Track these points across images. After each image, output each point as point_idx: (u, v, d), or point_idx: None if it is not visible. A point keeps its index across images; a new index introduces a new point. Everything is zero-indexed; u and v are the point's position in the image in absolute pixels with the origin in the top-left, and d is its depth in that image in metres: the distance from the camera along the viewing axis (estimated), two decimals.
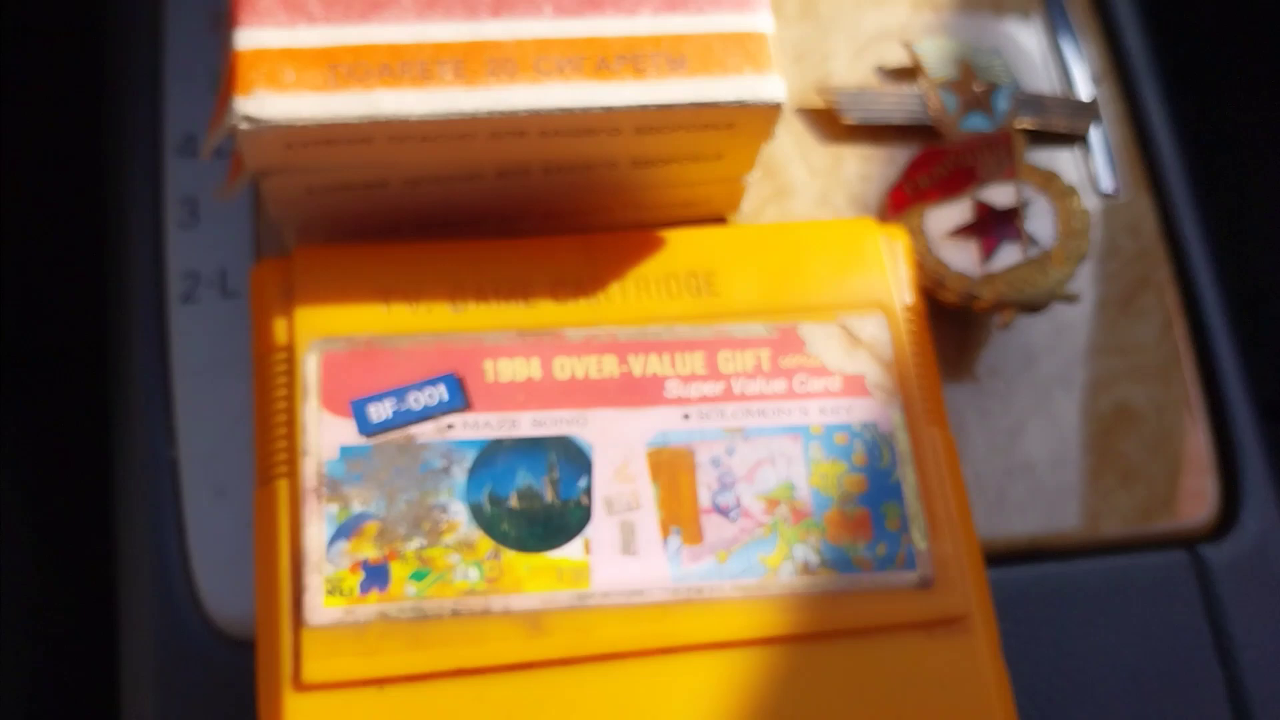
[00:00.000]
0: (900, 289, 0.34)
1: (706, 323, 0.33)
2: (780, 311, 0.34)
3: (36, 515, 0.44)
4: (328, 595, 0.29)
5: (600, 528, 0.31)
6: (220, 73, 0.31)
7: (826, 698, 0.30)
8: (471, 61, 0.31)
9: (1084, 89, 0.42)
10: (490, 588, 0.30)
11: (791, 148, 0.40)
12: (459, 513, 0.30)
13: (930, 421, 0.33)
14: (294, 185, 0.32)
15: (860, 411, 0.33)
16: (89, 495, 0.39)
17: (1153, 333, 0.40)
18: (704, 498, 0.31)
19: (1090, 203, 0.41)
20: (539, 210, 0.35)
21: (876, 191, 0.40)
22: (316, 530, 0.30)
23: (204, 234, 0.37)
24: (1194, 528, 0.38)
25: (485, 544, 0.30)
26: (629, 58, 0.31)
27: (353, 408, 0.31)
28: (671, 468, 0.32)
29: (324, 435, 0.31)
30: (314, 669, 0.28)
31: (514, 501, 0.31)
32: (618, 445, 0.32)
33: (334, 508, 0.30)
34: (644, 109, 0.31)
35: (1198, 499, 0.38)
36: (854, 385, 0.33)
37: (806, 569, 0.31)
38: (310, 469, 0.30)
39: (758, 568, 0.31)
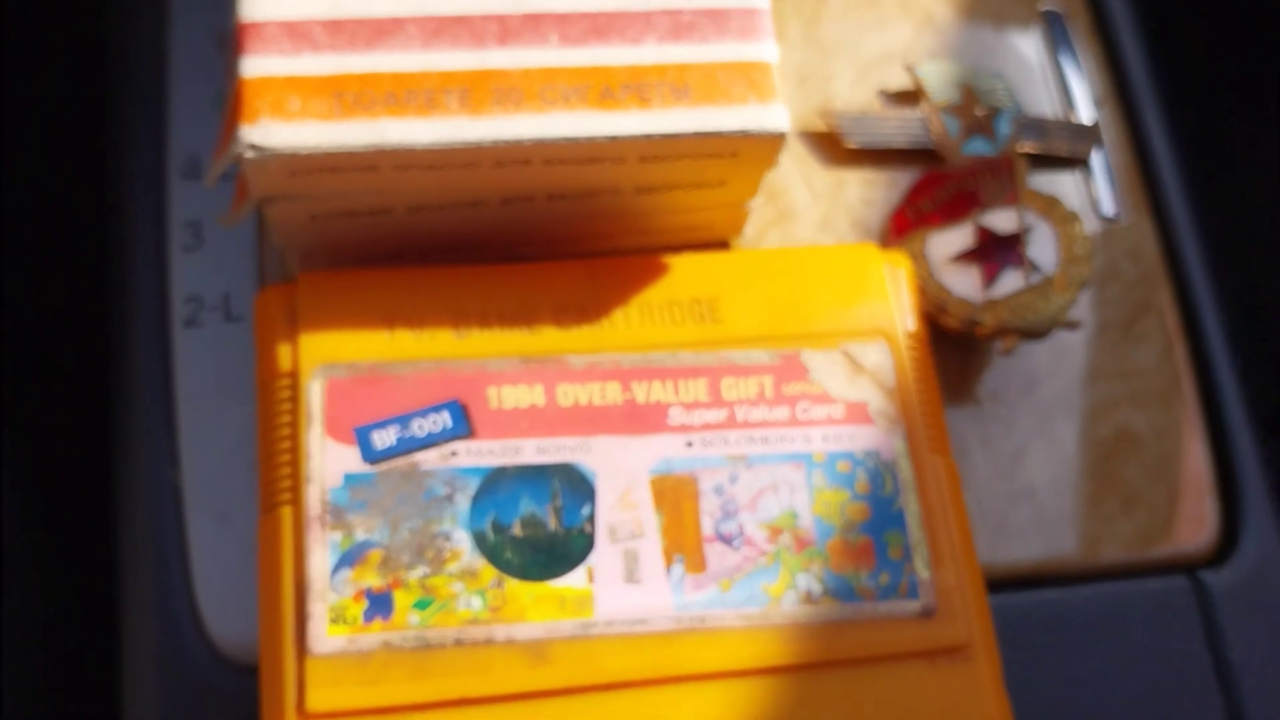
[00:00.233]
0: (903, 316, 0.34)
1: (710, 349, 0.33)
2: (783, 338, 0.34)
3: (39, 538, 0.44)
4: (331, 624, 0.29)
5: (603, 556, 0.31)
6: (225, 99, 0.31)
7: None
8: (477, 90, 0.31)
9: (1085, 112, 0.43)
10: (494, 617, 0.30)
11: (794, 171, 0.40)
12: (462, 541, 0.30)
13: (933, 449, 0.33)
14: (298, 212, 0.32)
15: (863, 439, 0.33)
16: (92, 519, 0.39)
17: (1153, 357, 0.40)
18: (707, 526, 0.31)
19: (1091, 226, 0.41)
20: (542, 236, 0.35)
21: (878, 215, 0.40)
22: (320, 558, 0.30)
23: (207, 258, 0.37)
24: (1194, 553, 0.38)
25: (489, 572, 0.30)
26: (634, 87, 0.31)
27: (356, 434, 0.31)
28: (675, 495, 0.32)
29: (328, 462, 0.31)
30: (318, 698, 0.29)
31: (517, 529, 0.31)
32: (621, 472, 0.32)
33: (337, 535, 0.30)
34: (648, 138, 0.31)
35: (1198, 524, 0.38)
36: (857, 412, 0.33)
37: (809, 598, 0.31)
38: (314, 496, 0.30)
39: (761, 597, 0.31)
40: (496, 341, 0.33)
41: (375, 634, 0.29)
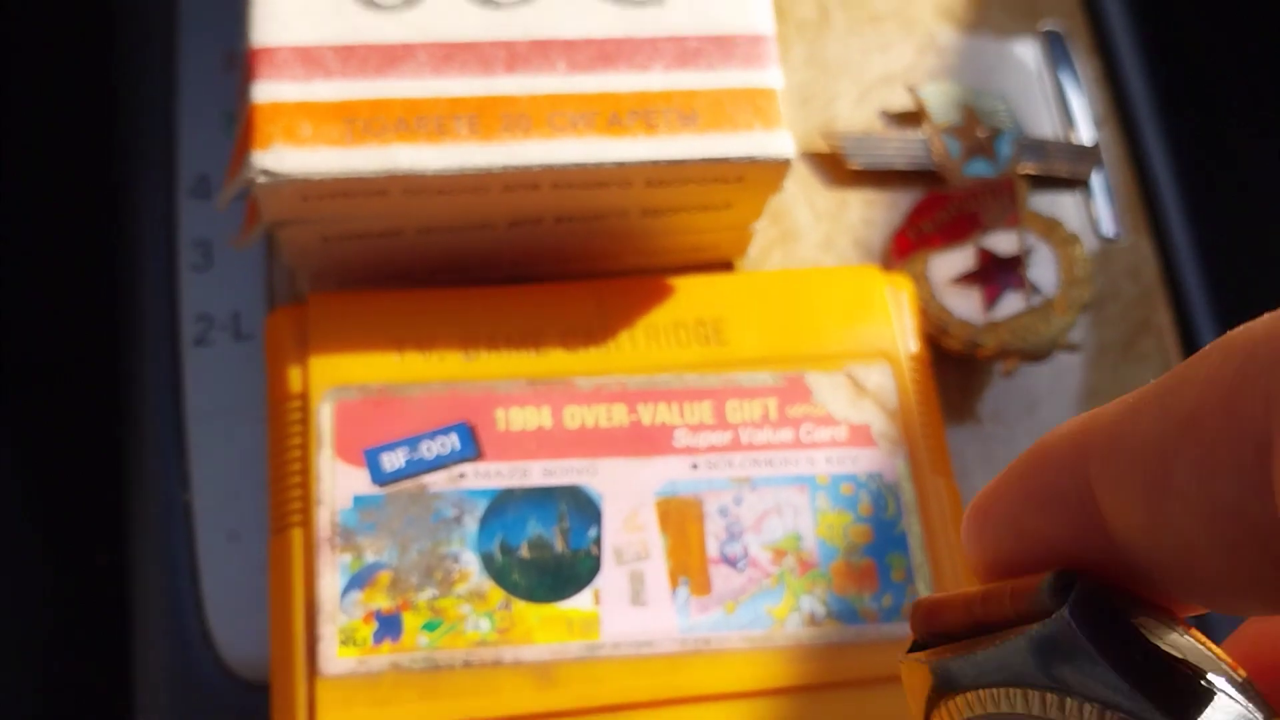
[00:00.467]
0: (905, 338, 0.35)
1: (715, 371, 0.34)
2: (787, 360, 0.34)
3: (51, 558, 0.45)
4: (341, 645, 0.30)
5: (610, 578, 0.31)
6: (237, 122, 0.32)
7: None
8: (486, 117, 0.31)
9: (1086, 132, 0.43)
10: (501, 638, 0.30)
11: (797, 192, 0.40)
12: (470, 562, 0.31)
13: (935, 471, 0.33)
14: (309, 235, 0.33)
15: (866, 461, 0.33)
16: (104, 538, 0.39)
17: (1152, 377, 0.40)
18: (712, 548, 0.32)
19: (1091, 246, 0.41)
20: (549, 257, 0.36)
21: (880, 236, 0.40)
22: (330, 580, 0.30)
23: (217, 277, 0.37)
24: None
25: (496, 594, 0.30)
26: (641, 113, 0.32)
27: (366, 457, 0.31)
28: (680, 517, 0.32)
29: (338, 484, 0.31)
30: (328, 719, 0.29)
31: (525, 551, 0.31)
32: (627, 495, 0.32)
33: (347, 557, 0.30)
34: (655, 164, 0.32)
35: None
36: (860, 435, 0.33)
37: (813, 620, 0.31)
38: (324, 518, 0.31)
39: (765, 619, 0.31)
40: (504, 363, 0.33)
41: (385, 655, 0.30)
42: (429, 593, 0.30)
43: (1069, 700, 0.15)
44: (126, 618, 0.36)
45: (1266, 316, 0.15)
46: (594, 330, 0.34)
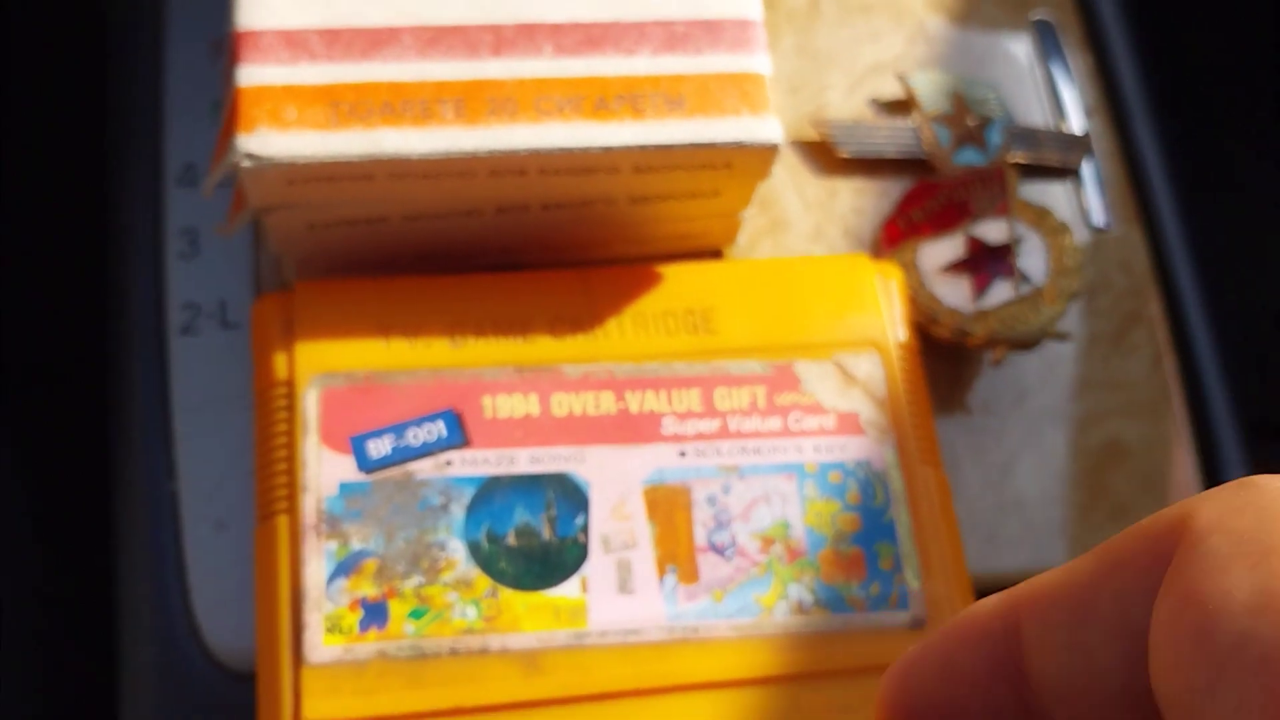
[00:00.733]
0: (894, 326, 0.35)
1: (703, 360, 0.33)
2: (776, 349, 0.34)
3: (38, 547, 0.45)
4: (327, 633, 0.29)
5: (597, 566, 0.31)
6: (222, 107, 0.31)
7: None
8: (472, 100, 0.31)
9: (1076, 122, 0.43)
10: (488, 626, 0.30)
11: (786, 180, 0.40)
12: (457, 550, 0.31)
13: (924, 460, 0.33)
14: (295, 221, 0.32)
15: (854, 450, 0.33)
16: (90, 527, 0.39)
17: (1143, 368, 0.40)
18: (700, 536, 0.32)
19: (1082, 236, 0.41)
20: (537, 244, 0.36)
21: (870, 225, 0.40)
22: (316, 567, 0.30)
23: (204, 265, 0.37)
24: None
25: (483, 582, 0.30)
26: (628, 98, 0.32)
27: (352, 444, 0.31)
28: (668, 505, 0.32)
29: (324, 471, 0.31)
30: (314, 707, 0.29)
31: (512, 539, 0.31)
32: (615, 482, 0.32)
33: (333, 545, 0.30)
34: (642, 149, 0.31)
35: None
36: (848, 423, 0.33)
37: (801, 608, 0.31)
38: (310, 506, 0.30)
39: (753, 607, 0.31)
40: (491, 351, 0.33)
41: (371, 643, 0.29)
42: (415, 580, 0.30)
43: None
44: (112, 607, 0.36)
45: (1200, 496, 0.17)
46: (582, 318, 0.34)
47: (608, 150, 0.31)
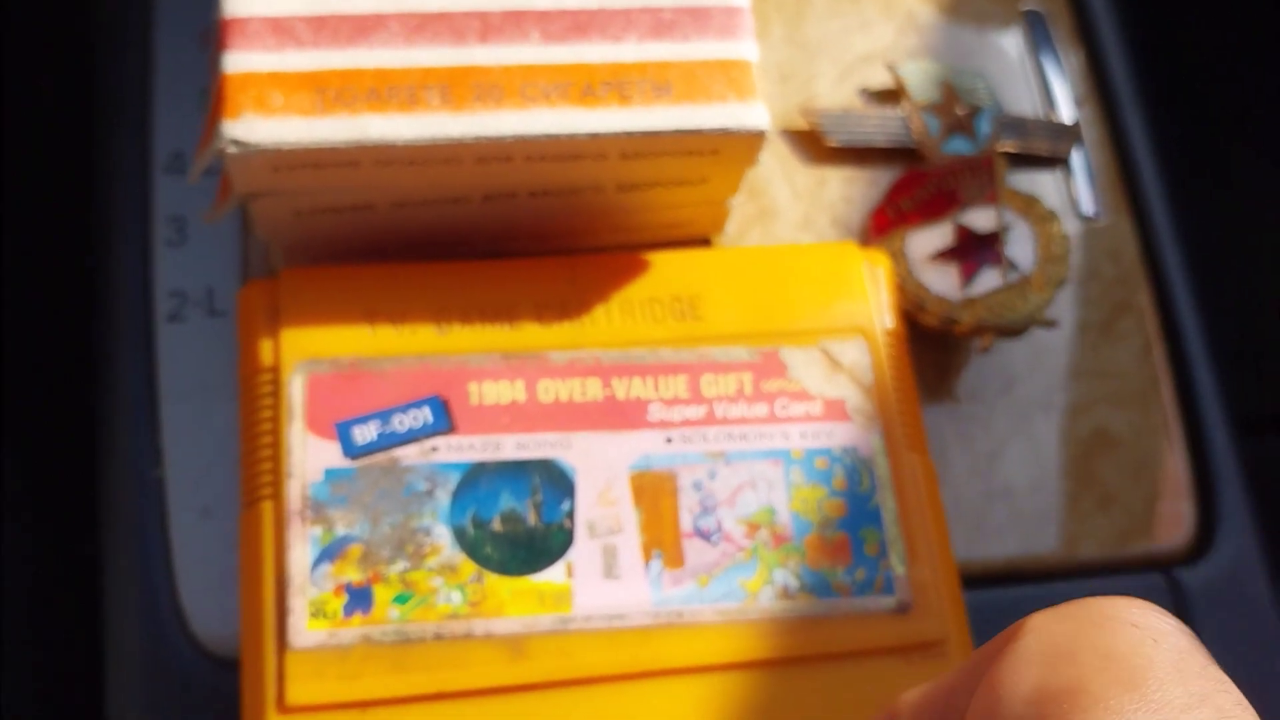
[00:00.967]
0: (881, 314, 0.35)
1: (690, 346, 0.33)
2: (763, 336, 0.34)
3: (24, 534, 0.45)
4: (311, 618, 0.29)
5: (582, 551, 0.31)
6: (209, 94, 0.31)
7: None
8: (458, 87, 0.31)
9: (1066, 111, 0.43)
10: (473, 611, 0.30)
11: (775, 169, 0.40)
12: (442, 536, 0.31)
13: (910, 447, 0.33)
14: (281, 207, 0.32)
15: (841, 436, 0.33)
16: (77, 514, 0.39)
17: (1132, 357, 0.40)
18: (685, 522, 0.32)
19: (1071, 226, 0.41)
20: (525, 232, 0.36)
21: (859, 214, 0.40)
22: (300, 553, 0.30)
23: (191, 253, 0.37)
24: (1170, 551, 0.38)
25: (468, 567, 0.30)
26: (615, 84, 0.32)
27: (337, 430, 0.31)
28: (654, 491, 0.32)
29: (309, 457, 0.31)
30: (297, 691, 0.29)
31: (497, 525, 0.31)
32: (601, 468, 0.32)
33: (318, 530, 0.30)
34: (629, 135, 0.31)
35: (1174, 523, 0.38)
36: (835, 410, 0.33)
37: (786, 593, 0.31)
38: (294, 491, 0.30)
39: (738, 592, 0.31)
40: (478, 337, 0.33)
41: (355, 628, 0.29)
42: (400, 566, 0.30)
43: None
44: (99, 594, 0.36)
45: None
46: (568, 305, 0.34)
47: (594, 136, 0.31)
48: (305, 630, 0.29)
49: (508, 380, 0.32)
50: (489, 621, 0.30)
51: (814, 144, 0.41)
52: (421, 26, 0.31)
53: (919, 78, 0.41)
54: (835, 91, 0.42)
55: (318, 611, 0.30)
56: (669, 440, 0.32)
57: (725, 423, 0.33)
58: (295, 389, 0.31)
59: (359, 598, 0.30)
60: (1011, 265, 0.38)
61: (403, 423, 0.31)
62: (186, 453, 0.35)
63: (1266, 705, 0.37)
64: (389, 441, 0.31)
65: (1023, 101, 0.43)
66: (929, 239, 0.38)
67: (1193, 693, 0.19)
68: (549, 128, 0.31)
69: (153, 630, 0.34)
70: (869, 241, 0.39)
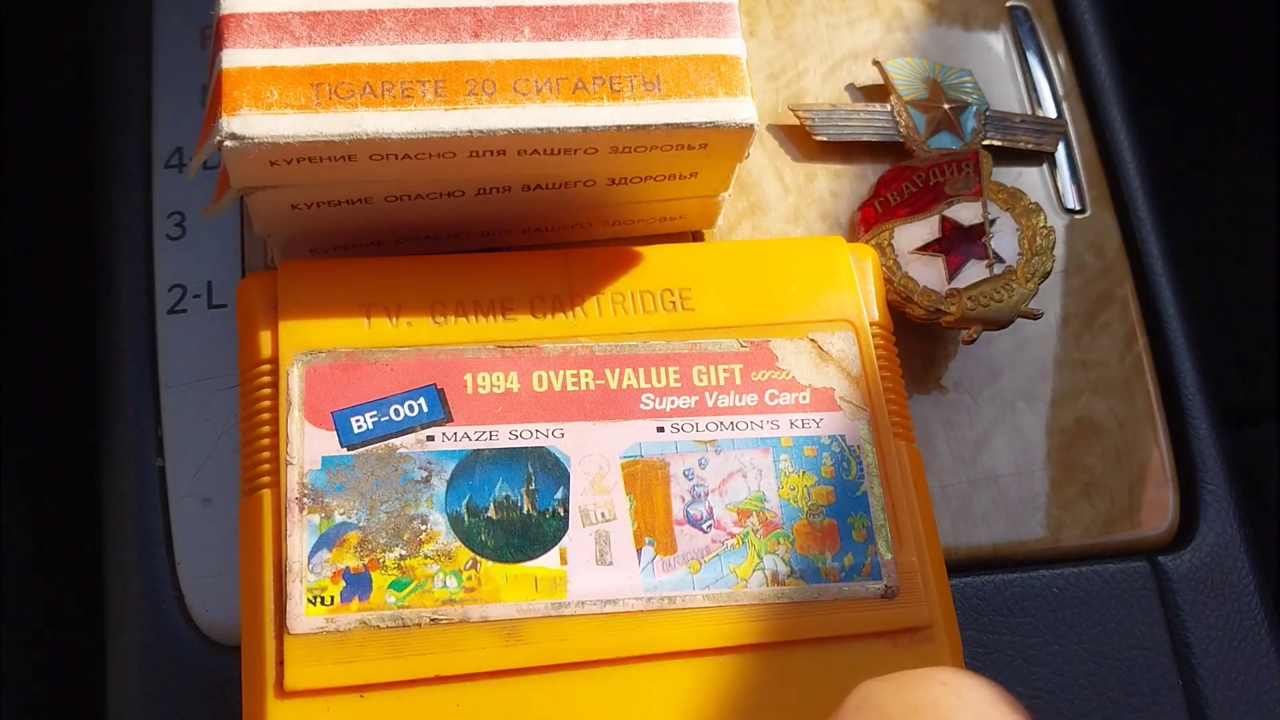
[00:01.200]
0: (868, 305, 0.35)
1: (681, 337, 0.34)
2: (752, 327, 0.34)
3: (27, 523, 0.45)
4: (310, 604, 0.30)
5: (576, 538, 0.32)
6: (207, 90, 0.32)
7: (793, 705, 0.31)
8: (451, 82, 0.31)
9: (1051, 107, 0.43)
10: (469, 597, 0.31)
11: (765, 164, 0.41)
12: (438, 523, 0.31)
13: (897, 434, 0.34)
14: (278, 201, 0.33)
15: (829, 424, 0.34)
16: (79, 502, 0.40)
17: (1115, 347, 0.41)
18: (677, 509, 0.32)
19: (1055, 219, 0.42)
20: (518, 225, 0.36)
21: (847, 208, 0.41)
22: (299, 540, 0.30)
23: (191, 246, 0.38)
24: (1154, 538, 0.39)
25: (464, 554, 0.31)
26: (605, 80, 0.32)
27: (335, 419, 0.32)
28: (646, 479, 0.32)
29: (307, 446, 0.31)
30: (296, 676, 0.29)
31: (492, 512, 0.31)
32: (594, 457, 0.32)
33: (316, 518, 0.31)
34: (619, 130, 0.32)
35: (1158, 510, 0.39)
36: (823, 399, 0.34)
37: (775, 579, 0.32)
38: (293, 479, 0.31)
39: (728, 578, 0.32)
40: (473, 329, 0.33)
41: (353, 614, 0.30)
42: (397, 552, 0.31)
43: None
44: (100, 581, 0.36)
45: None
46: (562, 297, 0.34)
47: (585, 131, 0.32)
48: (304, 616, 0.30)
49: (502, 371, 0.33)
50: (484, 607, 0.30)
51: (803, 139, 0.41)
52: (415, 23, 0.32)
53: (906, 74, 0.42)
54: (823, 88, 0.42)
55: (316, 597, 0.30)
56: (660, 429, 0.33)
57: (716, 412, 0.33)
58: (293, 379, 0.32)
59: (357, 584, 0.30)
60: (996, 258, 0.38)
61: (399, 412, 0.32)
62: (187, 442, 0.36)
63: (1249, 692, 0.37)
64: (386, 430, 0.32)
65: (1008, 97, 0.43)
66: (915, 232, 0.39)
67: None
68: (541, 122, 0.32)
69: (153, 617, 0.34)
70: (857, 234, 0.40)
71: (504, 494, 0.32)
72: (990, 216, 0.39)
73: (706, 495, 0.32)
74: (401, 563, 0.31)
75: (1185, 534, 0.39)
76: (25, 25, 0.50)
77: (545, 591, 0.31)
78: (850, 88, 0.42)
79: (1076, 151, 0.43)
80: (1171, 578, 0.38)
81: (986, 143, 0.41)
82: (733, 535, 0.32)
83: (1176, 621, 0.38)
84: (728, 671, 0.31)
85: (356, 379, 0.32)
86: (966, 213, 0.39)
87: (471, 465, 0.32)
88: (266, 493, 0.31)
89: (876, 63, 0.42)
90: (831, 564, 0.32)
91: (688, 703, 0.30)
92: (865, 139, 0.41)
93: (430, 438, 0.32)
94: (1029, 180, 0.42)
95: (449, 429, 0.32)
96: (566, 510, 0.32)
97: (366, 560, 0.31)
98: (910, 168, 0.40)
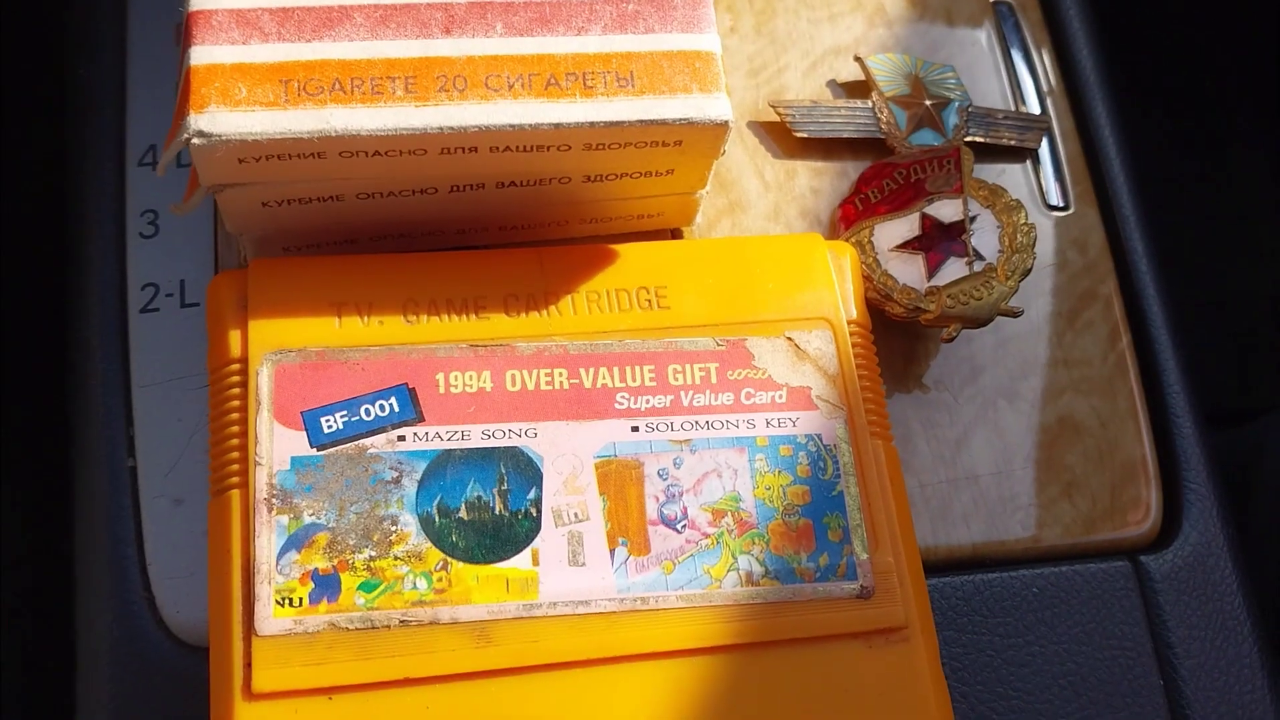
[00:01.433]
0: (846, 303, 0.35)
1: (656, 336, 0.34)
2: (729, 325, 0.34)
3: None
4: (278, 605, 0.30)
5: (549, 539, 0.31)
6: (177, 88, 0.32)
7: (768, 706, 0.30)
8: (422, 78, 0.31)
9: (1034, 104, 0.43)
10: (439, 598, 0.30)
11: (745, 161, 0.41)
12: (409, 524, 0.31)
13: (874, 433, 0.33)
14: (249, 199, 0.33)
15: (805, 424, 0.33)
16: (50, 502, 0.39)
17: (1098, 346, 0.40)
18: (651, 509, 0.32)
19: (1039, 216, 0.42)
20: (494, 223, 0.36)
21: (827, 205, 0.40)
22: (267, 541, 0.30)
23: (164, 245, 0.38)
24: (1136, 538, 0.39)
25: (434, 555, 0.31)
26: (578, 76, 0.32)
27: (305, 419, 0.31)
28: (620, 479, 0.32)
29: (276, 446, 0.31)
30: (264, 678, 0.29)
31: (464, 512, 0.31)
32: (567, 457, 0.32)
33: (285, 518, 0.30)
34: (592, 126, 0.32)
35: (1140, 510, 0.39)
36: (799, 398, 0.33)
37: (750, 579, 0.31)
38: (262, 480, 0.31)
39: (703, 578, 0.31)
40: (446, 328, 0.33)
41: (321, 615, 0.30)
42: (367, 554, 0.30)
43: None
44: (70, 581, 0.36)
45: None
46: (536, 295, 0.34)
47: (558, 127, 0.31)
48: (271, 617, 0.30)
49: (475, 370, 0.33)
50: (455, 608, 0.30)
51: (783, 136, 0.41)
52: (386, 19, 0.31)
53: (887, 70, 0.41)
54: (804, 84, 0.42)
55: (284, 599, 0.30)
56: (635, 429, 0.33)
57: (691, 411, 0.33)
58: (263, 379, 0.32)
59: (325, 585, 0.30)
60: (976, 255, 0.38)
61: (370, 412, 0.32)
62: (158, 442, 0.36)
63: (1231, 693, 0.37)
64: (356, 430, 0.32)
65: (991, 93, 0.43)
66: (896, 229, 0.38)
67: None
68: (513, 119, 0.31)
69: (124, 617, 0.34)
70: (838, 232, 0.40)
71: (476, 494, 0.31)
72: (971, 213, 0.38)
73: (681, 495, 0.32)
74: (371, 564, 0.30)
75: (1168, 534, 0.39)
76: None
77: (517, 593, 0.31)
78: (831, 84, 0.42)
79: (1060, 148, 0.43)
80: (1154, 578, 0.38)
81: (969, 139, 0.41)
82: (707, 535, 0.32)
83: (1158, 622, 0.38)
84: (701, 673, 0.31)
85: (327, 378, 0.32)
86: (947, 210, 0.39)
87: (443, 465, 0.31)
88: (235, 493, 0.31)
89: (858, 59, 0.42)
90: (807, 564, 0.32)
91: (661, 705, 0.30)
92: (846, 136, 0.41)
93: (401, 438, 0.32)
94: (1012, 177, 0.42)
95: (420, 429, 0.32)
96: (539, 511, 0.31)
97: (336, 561, 0.30)
98: (891, 164, 0.40)
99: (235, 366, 0.32)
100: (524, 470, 0.32)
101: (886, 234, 0.38)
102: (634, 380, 0.33)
